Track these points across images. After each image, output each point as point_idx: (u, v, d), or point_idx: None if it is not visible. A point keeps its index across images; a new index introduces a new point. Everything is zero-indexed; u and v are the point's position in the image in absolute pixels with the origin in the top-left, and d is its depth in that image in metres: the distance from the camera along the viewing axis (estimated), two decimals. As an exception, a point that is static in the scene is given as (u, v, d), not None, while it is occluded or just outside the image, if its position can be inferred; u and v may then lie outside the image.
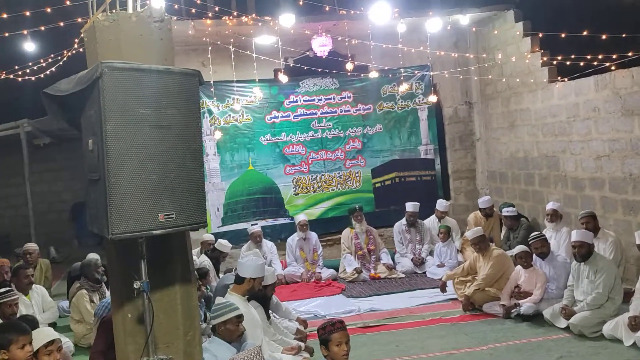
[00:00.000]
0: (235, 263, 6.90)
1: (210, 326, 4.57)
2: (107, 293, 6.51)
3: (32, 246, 7.96)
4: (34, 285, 6.73)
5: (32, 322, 4.67)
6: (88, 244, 12.60)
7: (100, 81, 2.81)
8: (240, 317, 4.48)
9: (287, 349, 5.13)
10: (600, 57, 7.43)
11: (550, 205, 7.41)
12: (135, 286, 3.08)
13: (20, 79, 7.82)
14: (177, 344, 3.50)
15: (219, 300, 4.80)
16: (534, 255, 6.47)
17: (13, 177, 13.23)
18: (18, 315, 5.37)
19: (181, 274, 3.52)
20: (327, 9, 7.55)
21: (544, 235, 6.69)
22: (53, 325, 6.74)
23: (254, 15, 7.70)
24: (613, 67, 7.14)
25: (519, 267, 6.49)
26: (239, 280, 5.17)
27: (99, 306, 5.64)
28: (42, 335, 3.99)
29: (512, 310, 6.24)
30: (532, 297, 6.23)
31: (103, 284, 6.69)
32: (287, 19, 7.62)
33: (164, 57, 3.46)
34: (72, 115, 3.35)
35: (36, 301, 6.56)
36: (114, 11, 3.36)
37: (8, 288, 5.48)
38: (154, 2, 3.48)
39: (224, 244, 7.89)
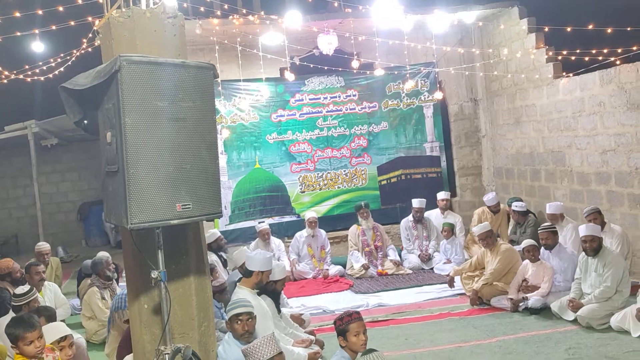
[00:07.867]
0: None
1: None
2: (118, 290, 6.58)
3: (46, 245, 7.99)
4: (45, 282, 6.81)
5: (49, 313, 4.74)
6: (96, 244, 12.76)
7: (118, 74, 2.85)
8: (239, 315, 4.36)
9: (298, 342, 5.19)
10: (605, 51, 7.47)
11: (548, 211, 7.38)
12: (152, 276, 3.10)
13: (29, 80, 7.86)
14: (192, 335, 3.55)
15: (233, 297, 4.82)
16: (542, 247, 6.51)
17: (21, 177, 13.37)
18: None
19: (196, 266, 3.56)
20: (336, 4, 7.58)
21: (555, 227, 6.69)
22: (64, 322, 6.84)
23: (261, 13, 7.75)
24: (618, 62, 7.18)
25: (526, 261, 6.53)
26: (247, 273, 5.23)
27: (115, 299, 5.70)
28: (55, 330, 4.01)
29: (520, 304, 6.28)
30: (539, 290, 6.27)
31: (114, 281, 6.76)
32: (294, 17, 7.68)
33: (177, 53, 3.53)
34: (88, 110, 3.39)
35: (49, 297, 6.63)
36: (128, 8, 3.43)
37: (28, 287, 5.48)
38: (167, -2, 3.55)
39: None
